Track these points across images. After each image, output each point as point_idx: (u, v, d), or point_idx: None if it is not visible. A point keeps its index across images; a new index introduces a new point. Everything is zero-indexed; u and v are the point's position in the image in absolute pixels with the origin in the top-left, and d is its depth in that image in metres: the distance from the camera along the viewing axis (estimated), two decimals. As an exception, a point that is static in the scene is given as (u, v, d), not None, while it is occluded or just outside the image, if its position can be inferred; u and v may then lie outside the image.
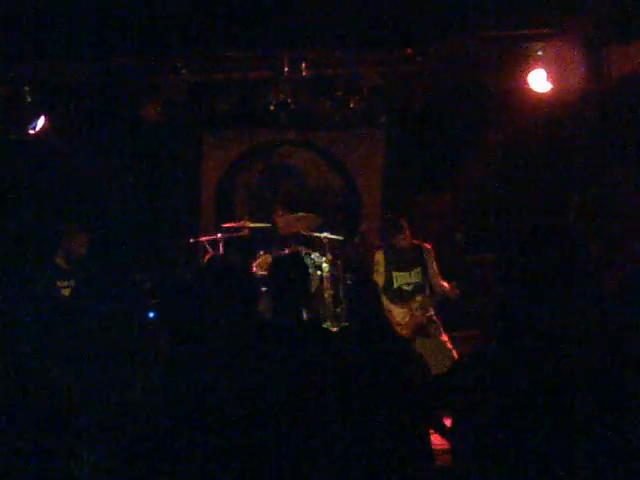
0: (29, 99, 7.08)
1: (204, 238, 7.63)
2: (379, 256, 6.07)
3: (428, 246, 6.13)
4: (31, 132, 7.22)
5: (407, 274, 6.01)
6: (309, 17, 6.27)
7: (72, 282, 6.02)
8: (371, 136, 8.71)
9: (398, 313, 5.87)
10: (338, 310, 7.35)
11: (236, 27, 6.41)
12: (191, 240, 7.65)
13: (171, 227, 8.55)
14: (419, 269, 6.04)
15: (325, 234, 7.68)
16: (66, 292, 5.99)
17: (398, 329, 5.73)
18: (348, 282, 7.30)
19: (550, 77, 6.62)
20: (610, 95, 6.78)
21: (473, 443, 3.25)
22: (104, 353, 4.35)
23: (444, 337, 5.97)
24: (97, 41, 6.50)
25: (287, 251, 7.28)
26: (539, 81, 6.67)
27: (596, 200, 7.15)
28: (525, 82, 6.73)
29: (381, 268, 6.02)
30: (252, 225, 7.68)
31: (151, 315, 6.20)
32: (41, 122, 7.22)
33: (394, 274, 6.00)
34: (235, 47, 6.79)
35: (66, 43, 6.45)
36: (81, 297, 5.88)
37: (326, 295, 7.46)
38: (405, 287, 5.99)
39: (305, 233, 7.82)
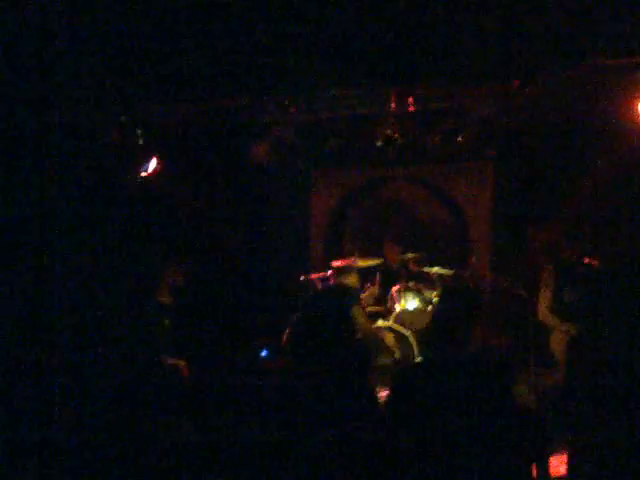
0: (141, 142, 7.28)
1: (314, 275, 7.66)
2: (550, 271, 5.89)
3: None
4: (144, 174, 7.42)
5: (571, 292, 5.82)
6: (415, 52, 6.27)
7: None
8: (479, 169, 8.61)
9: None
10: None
11: (343, 65, 6.47)
12: (301, 277, 7.69)
13: (281, 266, 8.63)
14: None
15: (436, 268, 7.62)
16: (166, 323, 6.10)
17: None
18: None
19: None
20: None
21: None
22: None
23: None
24: (207, 82, 6.67)
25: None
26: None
27: None
28: (637, 112, 6.52)
29: (552, 284, 5.83)
30: (362, 263, 7.66)
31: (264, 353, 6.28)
32: (153, 164, 7.42)
33: (565, 289, 5.82)
34: (342, 85, 6.83)
35: (176, 85, 6.64)
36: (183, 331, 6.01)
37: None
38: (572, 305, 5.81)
39: (415, 268, 7.78)
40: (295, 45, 6.34)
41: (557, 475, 4.19)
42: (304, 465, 3.36)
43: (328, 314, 4.43)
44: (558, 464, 4.24)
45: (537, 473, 3.73)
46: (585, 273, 5.92)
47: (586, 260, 5.98)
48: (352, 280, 7.12)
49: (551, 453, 4.33)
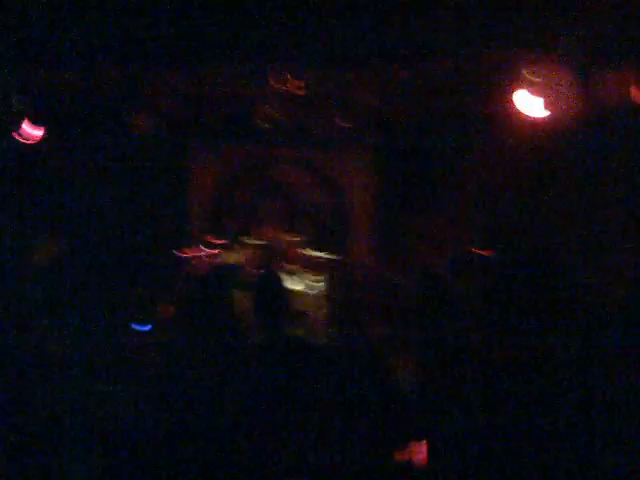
0: (19, 107, 7.05)
1: (193, 253, 7.58)
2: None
3: None
4: (23, 141, 7.19)
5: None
6: (300, 33, 6.27)
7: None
8: (362, 155, 8.66)
9: None
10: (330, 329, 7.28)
11: (227, 40, 6.41)
12: (180, 254, 7.59)
13: (159, 241, 8.47)
14: None
15: (318, 253, 7.66)
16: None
17: None
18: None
19: (540, 101, 6.58)
20: (599, 121, 6.77)
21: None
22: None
23: None
24: (88, 51, 6.51)
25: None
26: (529, 104, 6.63)
27: (584, 227, 7.12)
28: (515, 104, 6.69)
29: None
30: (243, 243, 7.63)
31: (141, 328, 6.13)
32: (33, 131, 7.20)
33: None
34: (225, 60, 6.77)
35: (57, 53, 6.45)
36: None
37: (318, 313, 7.42)
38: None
39: (297, 251, 7.79)
40: (179, 16, 6.25)
41: (417, 461, 4.22)
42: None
43: (211, 295, 4.40)
44: (418, 451, 4.27)
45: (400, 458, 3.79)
46: (475, 264, 6.05)
47: (476, 251, 6.12)
48: (233, 259, 7.09)
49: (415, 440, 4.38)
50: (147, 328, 5.92)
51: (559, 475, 3.04)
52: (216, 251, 7.59)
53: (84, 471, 3.66)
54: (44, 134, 7.18)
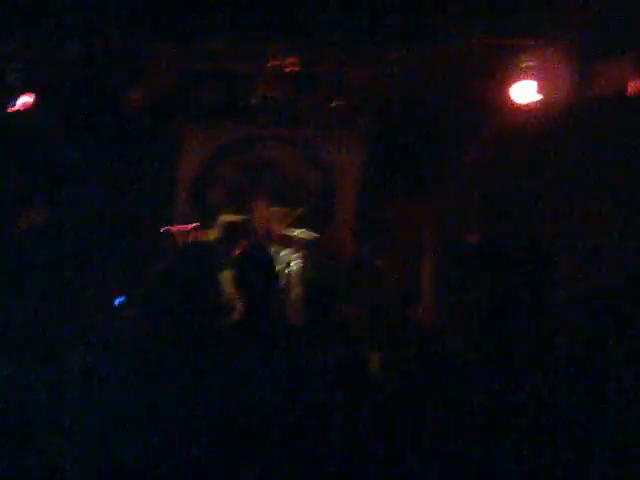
0: (12, 76, 6.98)
1: (176, 228, 7.55)
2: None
3: None
4: (13, 109, 7.11)
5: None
6: (296, 11, 6.24)
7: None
8: (351, 137, 8.65)
9: None
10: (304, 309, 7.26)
11: (222, 16, 6.37)
12: (162, 229, 7.55)
13: (144, 215, 8.41)
14: None
15: (297, 231, 7.63)
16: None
17: None
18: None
19: (537, 89, 6.58)
20: (593, 112, 6.76)
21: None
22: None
23: None
24: (83, 23, 6.46)
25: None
26: (524, 93, 6.62)
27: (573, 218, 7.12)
28: (512, 92, 6.68)
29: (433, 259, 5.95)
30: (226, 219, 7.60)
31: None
32: (23, 100, 7.11)
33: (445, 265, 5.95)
34: (220, 38, 6.74)
35: (53, 23, 6.39)
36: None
37: (293, 293, 7.41)
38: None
39: (278, 229, 7.75)
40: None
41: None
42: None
43: (197, 272, 4.33)
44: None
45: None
46: (465, 250, 6.05)
47: (467, 237, 6.12)
48: (214, 235, 7.05)
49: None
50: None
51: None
52: (201, 228, 7.55)
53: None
54: (34, 103, 7.12)
